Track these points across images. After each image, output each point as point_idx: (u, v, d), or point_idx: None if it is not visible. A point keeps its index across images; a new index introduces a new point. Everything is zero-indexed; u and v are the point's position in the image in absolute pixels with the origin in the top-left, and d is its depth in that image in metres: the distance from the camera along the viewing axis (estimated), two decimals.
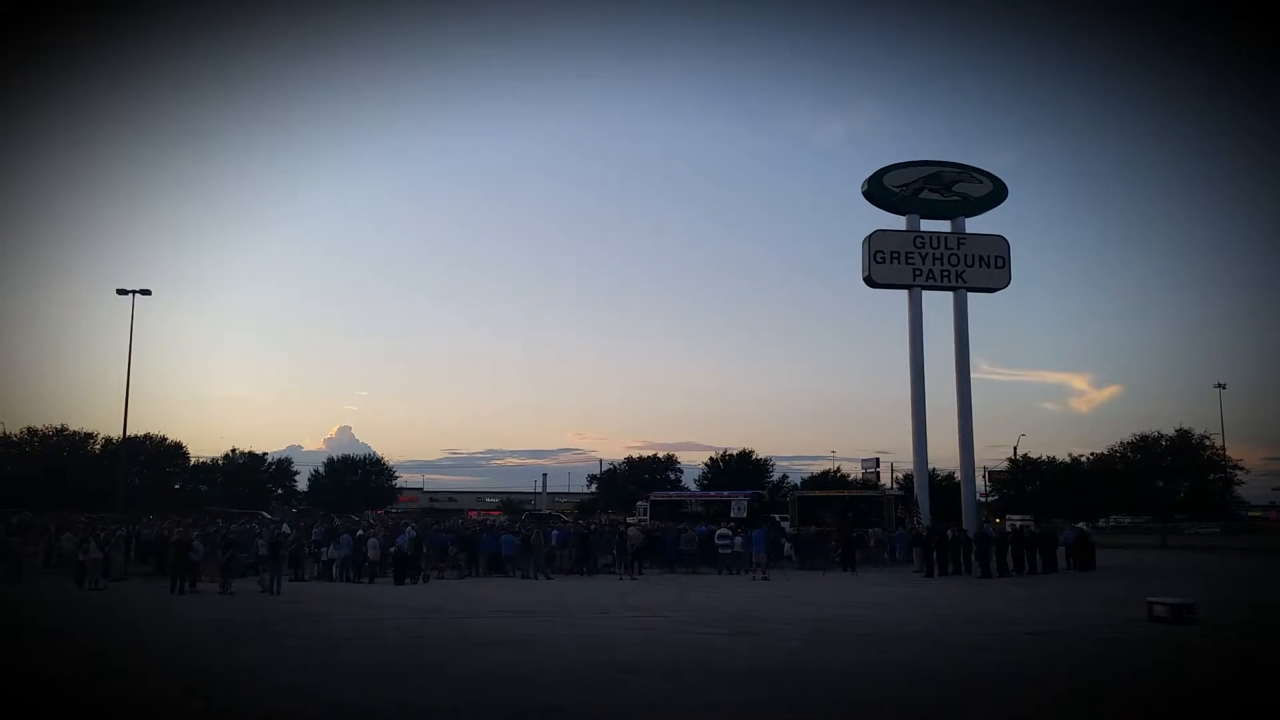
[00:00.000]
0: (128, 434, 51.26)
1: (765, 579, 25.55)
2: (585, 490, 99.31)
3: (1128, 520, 66.07)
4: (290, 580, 23.34)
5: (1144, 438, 74.22)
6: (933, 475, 41.79)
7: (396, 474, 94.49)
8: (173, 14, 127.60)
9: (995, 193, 37.90)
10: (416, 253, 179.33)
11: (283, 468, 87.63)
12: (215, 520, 35.74)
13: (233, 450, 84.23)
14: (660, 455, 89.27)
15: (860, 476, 76.89)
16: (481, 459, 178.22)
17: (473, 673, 11.30)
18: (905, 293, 37.10)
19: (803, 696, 10.14)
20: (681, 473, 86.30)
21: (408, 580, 24.57)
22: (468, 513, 77.22)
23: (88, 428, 76.20)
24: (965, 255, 36.76)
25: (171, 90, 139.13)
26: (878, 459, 78.92)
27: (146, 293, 42.51)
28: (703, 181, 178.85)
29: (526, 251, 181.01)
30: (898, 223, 37.33)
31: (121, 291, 42.01)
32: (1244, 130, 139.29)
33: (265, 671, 11.37)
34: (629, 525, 34.22)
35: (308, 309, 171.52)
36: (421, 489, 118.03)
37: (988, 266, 36.97)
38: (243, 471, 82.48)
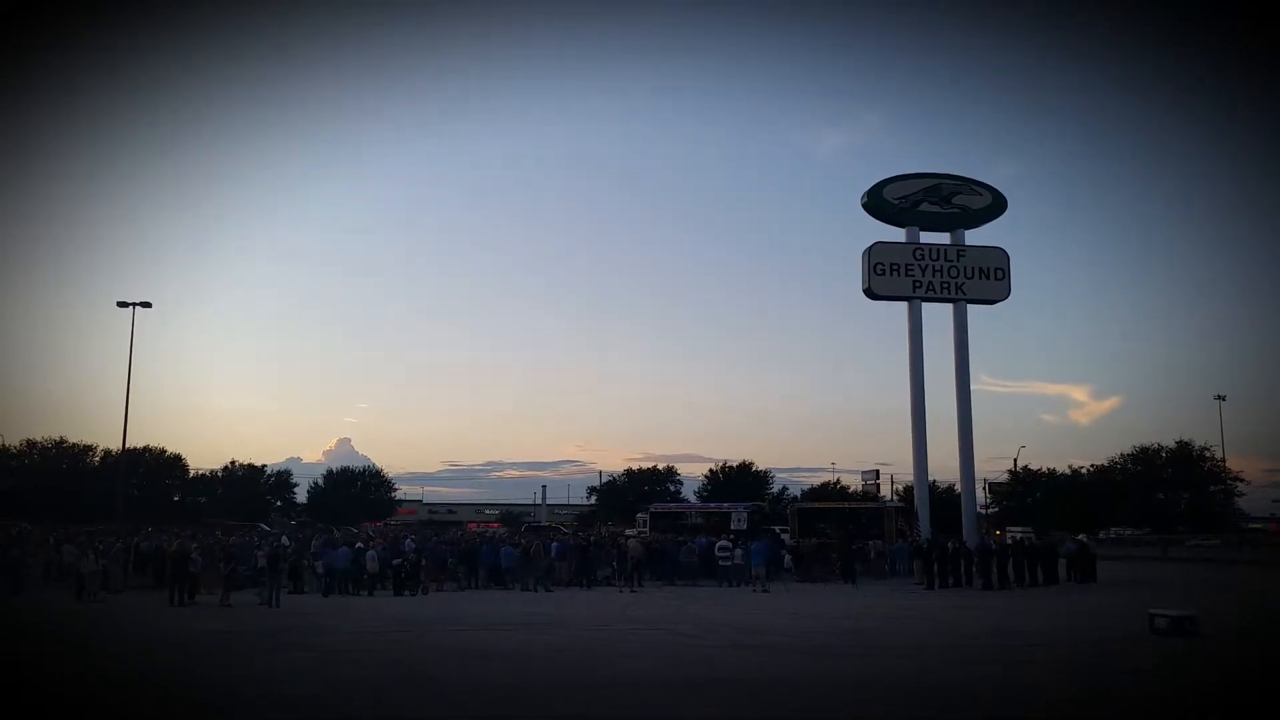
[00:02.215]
0: (127, 446, 51.28)
1: (765, 591, 25.48)
2: (585, 502, 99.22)
3: (1128, 532, 66.01)
4: (289, 593, 23.29)
5: (1144, 450, 74.44)
6: (933, 487, 41.78)
7: (396, 486, 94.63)
8: (173, 23, 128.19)
9: (995, 205, 38.00)
10: (416, 264, 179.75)
11: (282, 480, 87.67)
12: (214, 532, 35.68)
13: (232, 462, 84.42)
14: (660, 467, 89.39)
15: (860, 488, 76.80)
16: (481, 471, 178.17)
17: (471, 685, 11.27)
18: (905, 305, 37.15)
19: (805, 707, 10.12)
20: (681, 485, 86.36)
21: (406, 592, 24.54)
22: (467, 525, 77.07)
23: (87, 440, 76.61)
24: (965, 267, 36.83)
25: (171, 102, 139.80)
26: (878, 471, 78.72)
27: (147, 305, 42.52)
28: (702, 193, 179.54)
29: (526, 263, 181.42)
30: (897, 235, 37.41)
31: (122, 304, 42.02)
32: (1243, 142, 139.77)
33: (264, 683, 11.35)
34: (629, 537, 34.24)
35: (308, 321, 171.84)
36: (421, 501, 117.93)
37: (987, 278, 37.04)
38: (242, 483, 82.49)
